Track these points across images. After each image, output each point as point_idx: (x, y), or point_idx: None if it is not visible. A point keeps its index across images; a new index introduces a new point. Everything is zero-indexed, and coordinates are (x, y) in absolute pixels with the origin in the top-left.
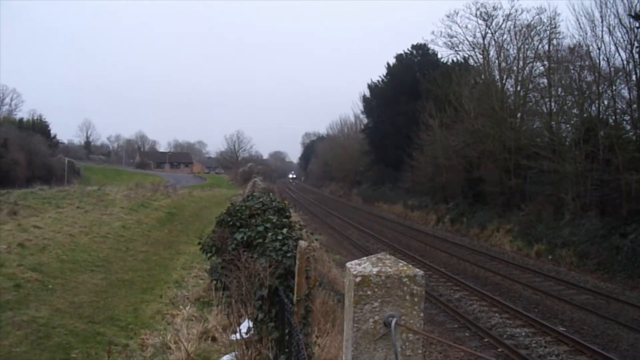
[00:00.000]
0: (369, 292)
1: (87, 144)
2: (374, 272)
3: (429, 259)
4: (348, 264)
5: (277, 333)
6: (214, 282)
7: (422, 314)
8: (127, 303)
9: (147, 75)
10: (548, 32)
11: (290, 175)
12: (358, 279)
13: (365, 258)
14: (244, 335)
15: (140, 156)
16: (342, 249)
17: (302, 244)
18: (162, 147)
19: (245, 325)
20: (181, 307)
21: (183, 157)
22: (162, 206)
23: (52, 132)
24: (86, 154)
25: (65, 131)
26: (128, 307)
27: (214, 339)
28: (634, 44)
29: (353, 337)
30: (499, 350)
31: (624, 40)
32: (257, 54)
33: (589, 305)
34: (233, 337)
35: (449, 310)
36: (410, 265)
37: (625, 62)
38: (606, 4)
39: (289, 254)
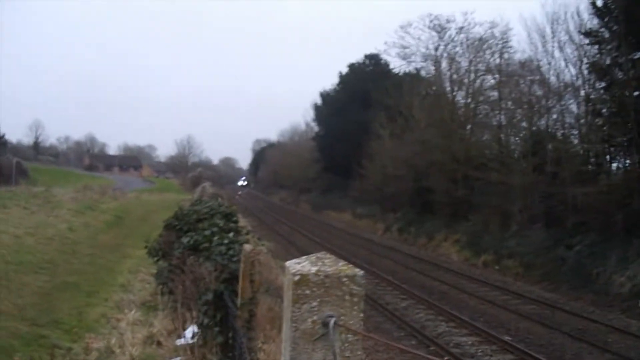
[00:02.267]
0: (307, 292)
1: (36, 144)
2: (313, 271)
3: (377, 267)
4: (287, 263)
5: (222, 338)
6: (160, 286)
7: (362, 315)
8: (71, 306)
9: (99, 77)
10: (500, 46)
11: (240, 182)
12: (297, 278)
13: (304, 257)
14: (189, 340)
15: (89, 158)
16: (290, 255)
17: (247, 247)
18: (112, 150)
19: (191, 330)
20: (126, 311)
21: (133, 160)
22: (110, 209)
23: (1, 131)
24: (34, 155)
25: (15, 131)
26: (73, 310)
27: (159, 344)
28: (583, 60)
29: (291, 337)
30: (446, 358)
31: (573, 57)
32: (208, 58)
33: (534, 315)
34: (178, 342)
35: (395, 319)
36: (350, 265)
37: (574, 78)
38: (557, 20)
39: (234, 258)
